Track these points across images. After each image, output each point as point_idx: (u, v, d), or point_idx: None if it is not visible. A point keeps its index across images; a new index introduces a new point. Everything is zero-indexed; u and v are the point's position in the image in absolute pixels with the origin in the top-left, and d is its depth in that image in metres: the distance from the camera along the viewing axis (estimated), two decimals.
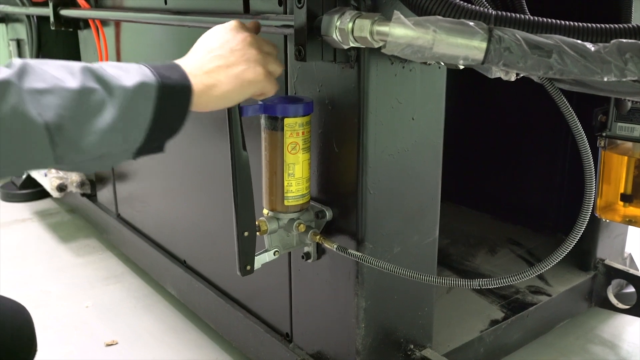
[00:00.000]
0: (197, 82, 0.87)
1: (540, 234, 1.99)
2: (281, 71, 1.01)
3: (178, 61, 0.90)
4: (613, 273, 1.72)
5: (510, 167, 2.12)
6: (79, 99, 0.73)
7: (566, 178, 1.92)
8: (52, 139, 0.72)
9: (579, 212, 0.88)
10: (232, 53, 0.93)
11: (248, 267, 1.12)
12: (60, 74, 0.74)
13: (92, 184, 2.44)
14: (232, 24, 0.98)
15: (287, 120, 1.07)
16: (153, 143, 0.84)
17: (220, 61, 0.92)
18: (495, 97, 2.08)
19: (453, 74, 1.14)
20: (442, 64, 1.06)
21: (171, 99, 0.83)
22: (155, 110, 0.80)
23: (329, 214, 1.16)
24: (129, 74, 0.79)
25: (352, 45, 0.94)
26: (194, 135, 1.58)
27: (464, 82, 1.86)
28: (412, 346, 1.27)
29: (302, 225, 1.14)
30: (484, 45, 0.80)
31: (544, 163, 1.98)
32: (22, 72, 0.71)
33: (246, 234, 1.09)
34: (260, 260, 1.14)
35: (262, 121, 1.10)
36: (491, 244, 1.96)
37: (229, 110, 1.01)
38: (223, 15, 1.29)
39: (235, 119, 1.02)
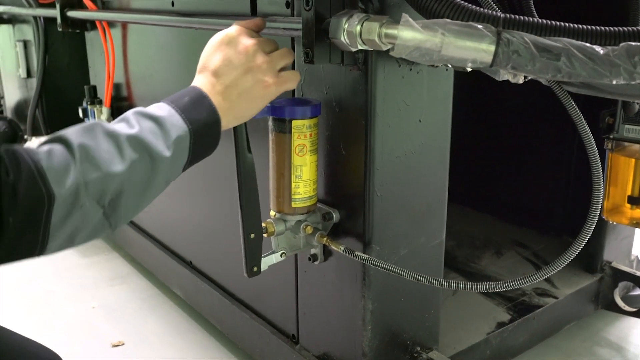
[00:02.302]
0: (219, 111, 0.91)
1: (546, 236, 1.99)
2: (292, 61, 1.01)
3: (199, 86, 0.92)
4: (620, 275, 1.71)
5: (516, 169, 2.12)
6: (127, 177, 0.79)
7: (572, 180, 1.91)
8: (107, 216, 0.79)
9: (586, 214, 0.88)
10: (237, 69, 0.93)
11: (255, 269, 1.12)
12: (109, 150, 0.78)
13: None
14: (230, 33, 0.97)
15: (294, 123, 1.07)
16: (185, 171, 0.91)
17: (228, 81, 0.92)
18: (502, 99, 2.08)
19: (459, 75, 1.14)
20: (450, 66, 1.07)
21: (203, 138, 0.88)
22: (190, 153, 0.87)
23: (336, 216, 1.16)
24: (164, 128, 0.83)
25: (360, 47, 0.94)
26: None
27: (470, 84, 1.86)
28: (418, 348, 1.27)
29: (309, 227, 1.14)
30: (492, 48, 0.80)
31: (549, 165, 1.98)
32: (82, 162, 0.75)
33: (252, 235, 1.09)
34: (267, 261, 1.14)
35: (270, 123, 1.11)
36: (497, 246, 1.96)
37: None
38: (230, 17, 1.29)
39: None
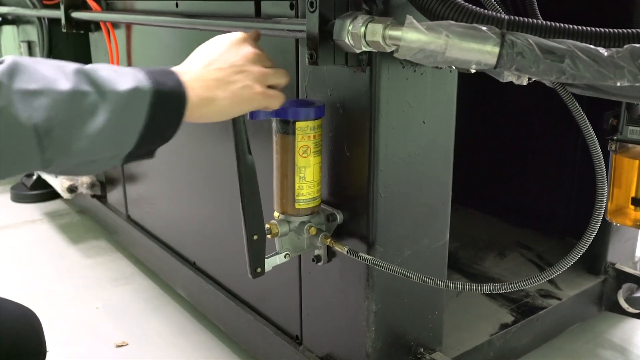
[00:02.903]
0: (195, 94, 0.85)
1: (549, 237, 1.99)
2: (285, 83, 1.01)
3: (176, 68, 0.89)
4: (623, 277, 1.71)
5: (520, 170, 2.12)
6: (70, 102, 0.72)
7: (575, 181, 1.91)
8: (41, 142, 0.70)
9: (590, 216, 0.88)
10: (232, 68, 0.93)
11: (259, 270, 1.12)
12: (52, 74, 0.72)
13: (102, 186, 2.46)
14: (235, 36, 0.98)
15: (298, 124, 1.07)
16: (143, 149, 0.82)
17: (219, 74, 0.91)
18: (505, 100, 2.08)
19: (463, 77, 1.15)
20: (454, 68, 1.07)
21: (165, 105, 0.81)
22: (148, 116, 0.79)
23: (339, 217, 1.16)
24: (124, 78, 0.77)
25: (364, 49, 0.94)
26: (203, 136, 1.59)
27: (473, 85, 1.86)
28: (422, 349, 1.28)
29: (312, 228, 1.14)
30: (496, 50, 0.80)
31: (553, 166, 1.98)
32: (12, 71, 0.69)
33: (255, 237, 1.09)
34: (271, 262, 1.14)
35: (274, 125, 1.11)
36: (500, 247, 1.96)
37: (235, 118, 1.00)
38: (234, 18, 1.30)
39: (240, 124, 1.02)
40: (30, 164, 0.72)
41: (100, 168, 0.81)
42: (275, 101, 0.98)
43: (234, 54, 0.95)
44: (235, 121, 1.01)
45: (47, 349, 1.09)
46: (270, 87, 0.98)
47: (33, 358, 1.05)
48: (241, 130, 1.03)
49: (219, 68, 0.92)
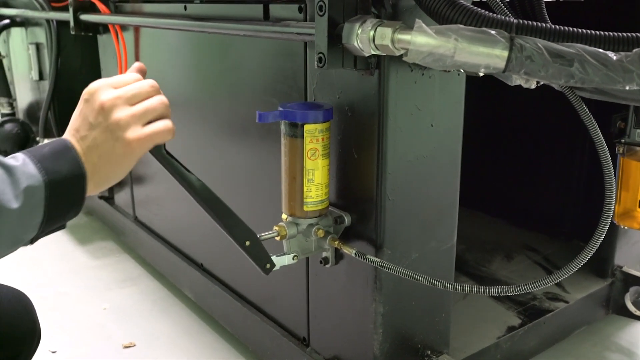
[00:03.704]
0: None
1: (556, 240, 1.99)
2: (164, 110, 0.86)
3: (69, 138, 0.83)
4: (631, 280, 1.71)
5: (527, 173, 2.12)
6: None
7: (583, 184, 1.91)
8: None
9: (597, 219, 0.88)
10: (94, 129, 0.82)
11: (268, 266, 1.12)
12: None
13: (110, 187, 2.46)
14: (88, 89, 0.85)
15: (307, 127, 1.08)
16: (48, 229, 0.81)
17: (87, 142, 0.81)
18: (512, 103, 2.08)
19: (470, 79, 1.15)
20: (462, 71, 1.07)
21: (62, 192, 0.78)
22: (46, 208, 0.76)
23: (347, 220, 1.17)
24: (14, 177, 0.74)
25: (373, 53, 0.94)
26: (210, 138, 1.59)
27: (480, 88, 1.86)
28: (429, 352, 1.28)
29: (320, 231, 1.15)
30: (505, 53, 0.81)
31: (560, 169, 1.98)
32: None
33: (247, 243, 1.08)
34: (280, 261, 1.15)
35: (282, 127, 1.11)
36: (507, 250, 1.96)
37: (151, 150, 0.88)
38: (243, 21, 1.30)
39: (161, 154, 0.91)
40: None
41: (2, 255, 0.80)
42: (162, 135, 0.85)
43: (89, 111, 0.83)
44: (154, 154, 0.90)
45: (55, 350, 1.09)
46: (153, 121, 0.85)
47: (27, 339, 1.05)
48: (167, 159, 0.92)
49: (84, 135, 0.82)
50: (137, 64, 0.92)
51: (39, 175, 0.75)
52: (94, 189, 0.82)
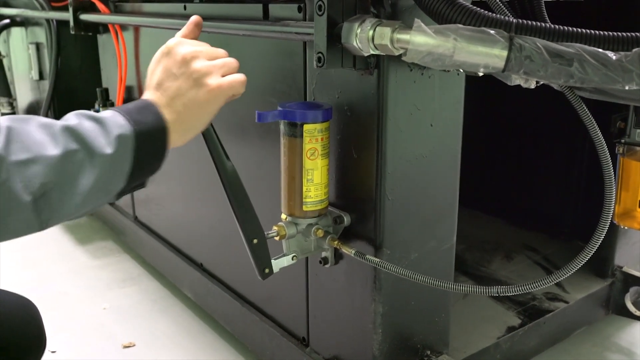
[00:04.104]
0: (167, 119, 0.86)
1: (556, 240, 1.98)
2: (237, 66, 0.94)
3: (149, 97, 0.89)
4: (631, 280, 1.70)
5: (527, 173, 2.12)
6: (61, 166, 0.74)
7: (583, 184, 1.91)
8: (37, 208, 0.73)
9: (597, 218, 0.88)
10: (178, 79, 0.89)
11: (266, 270, 1.13)
12: (42, 137, 0.74)
13: None
14: (167, 44, 0.93)
15: (306, 127, 1.08)
16: (133, 184, 0.84)
17: (171, 92, 0.88)
18: (512, 102, 2.07)
19: (470, 79, 1.15)
20: (462, 70, 1.07)
21: (149, 143, 0.83)
22: (134, 158, 0.81)
23: (347, 220, 1.17)
24: (106, 127, 0.79)
25: (372, 52, 0.94)
26: None
27: (480, 87, 1.86)
28: (428, 352, 1.28)
29: (320, 231, 1.15)
30: (504, 53, 0.81)
31: (560, 168, 1.98)
32: (8, 141, 0.71)
33: (255, 241, 1.09)
34: (279, 264, 1.15)
35: (281, 127, 1.11)
36: (507, 249, 1.96)
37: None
38: (242, 21, 1.30)
39: (209, 131, 0.99)
40: (27, 228, 0.74)
41: (93, 210, 0.84)
42: (237, 86, 0.92)
43: (171, 63, 0.90)
44: (204, 132, 0.97)
45: (55, 350, 1.09)
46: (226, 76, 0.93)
47: (34, 347, 1.06)
48: (213, 138, 0.99)
49: (168, 85, 0.88)
50: (194, 17, 1.01)
51: (128, 125, 0.80)
52: (179, 138, 0.88)
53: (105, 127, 0.79)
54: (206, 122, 0.93)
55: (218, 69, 0.91)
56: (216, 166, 1.01)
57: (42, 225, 0.75)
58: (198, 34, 1.00)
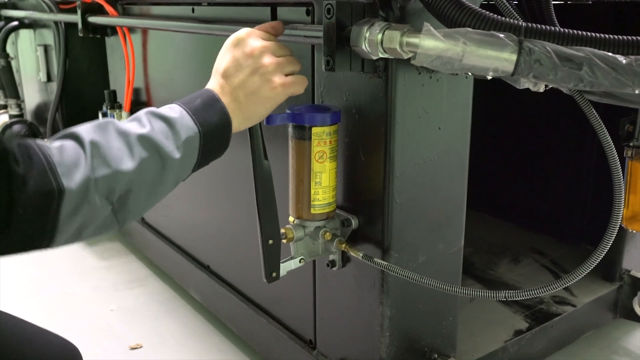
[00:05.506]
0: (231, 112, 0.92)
1: (564, 243, 1.98)
2: (299, 68, 1.00)
3: (213, 88, 0.93)
4: (639, 284, 1.70)
5: (534, 175, 2.11)
6: (136, 176, 0.80)
7: (591, 187, 1.90)
8: (116, 214, 0.81)
9: (605, 222, 0.88)
10: (245, 71, 0.94)
11: (274, 274, 1.13)
12: (119, 148, 0.80)
13: None
14: (240, 35, 0.97)
15: (314, 130, 1.08)
16: (195, 172, 0.92)
17: (235, 82, 0.93)
18: (520, 105, 2.07)
19: (477, 81, 1.14)
20: (470, 74, 1.07)
21: (213, 140, 0.90)
22: (200, 155, 0.88)
23: (354, 223, 1.17)
24: (174, 129, 0.85)
25: (381, 56, 0.94)
26: None
27: (487, 90, 1.86)
28: (436, 355, 1.27)
29: (327, 233, 1.15)
30: (514, 57, 0.80)
31: (568, 171, 1.97)
32: (92, 158, 0.77)
33: (270, 242, 1.10)
34: (286, 267, 1.15)
35: (290, 130, 1.11)
36: (514, 252, 1.95)
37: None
38: (251, 24, 1.30)
39: (256, 128, 1.03)
40: (109, 228, 0.82)
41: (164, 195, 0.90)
42: (299, 86, 0.98)
43: (241, 55, 0.95)
44: (251, 126, 1.02)
45: None
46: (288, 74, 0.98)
47: None
48: (258, 135, 1.04)
49: (234, 75, 0.93)
50: (275, 22, 1.05)
51: (195, 127, 0.87)
52: (238, 126, 0.94)
53: (174, 129, 0.85)
54: (263, 116, 0.98)
55: (283, 67, 0.96)
56: (253, 161, 1.05)
57: (119, 224, 0.82)
58: (275, 34, 1.03)
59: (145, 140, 0.82)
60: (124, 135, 0.81)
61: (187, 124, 0.86)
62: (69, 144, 0.77)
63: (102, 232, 0.82)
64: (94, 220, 0.78)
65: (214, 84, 0.95)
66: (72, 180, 0.74)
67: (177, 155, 0.84)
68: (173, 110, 0.87)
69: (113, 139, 0.80)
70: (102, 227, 0.81)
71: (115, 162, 0.78)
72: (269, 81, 0.94)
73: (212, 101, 0.91)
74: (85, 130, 0.79)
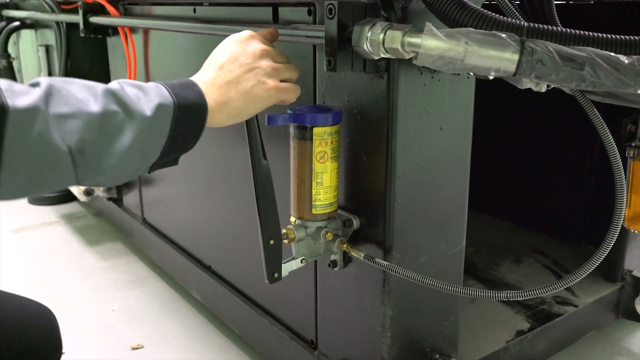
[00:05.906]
0: (210, 100, 0.89)
1: (565, 243, 1.98)
2: (296, 77, 1.02)
3: (194, 78, 0.93)
4: None
5: (536, 176, 2.11)
6: (100, 123, 0.76)
7: (592, 187, 1.90)
8: (75, 162, 0.75)
9: (607, 222, 0.87)
10: (241, 67, 0.94)
11: (275, 275, 1.13)
12: (83, 95, 0.77)
13: (119, 189, 2.47)
14: (242, 35, 0.99)
15: (316, 130, 1.08)
16: (168, 158, 0.87)
17: (229, 76, 0.93)
18: (522, 105, 2.07)
19: (479, 82, 1.14)
20: (472, 74, 1.07)
21: (187, 118, 0.86)
22: (172, 129, 0.84)
23: (356, 223, 1.16)
24: (148, 95, 0.82)
25: (382, 56, 0.94)
26: (219, 140, 1.60)
27: (489, 90, 1.86)
28: (437, 356, 1.27)
29: (329, 234, 1.14)
30: (516, 57, 0.80)
31: (569, 171, 1.97)
32: (48, 95, 0.73)
33: (272, 242, 1.10)
34: (288, 267, 1.15)
35: (291, 130, 1.11)
36: (516, 253, 1.95)
37: (247, 120, 1.02)
38: (252, 24, 1.30)
39: (254, 128, 1.04)
40: (65, 181, 0.77)
41: (127, 179, 0.85)
42: (291, 94, 1.00)
43: (241, 52, 0.96)
44: (248, 125, 1.03)
45: (64, 351, 1.10)
46: (283, 81, 0.99)
47: (49, 355, 1.06)
48: (255, 134, 1.04)
49: (229, 70, 0.93)
50: (271, 29, 1.07)
51: (169, 96, 0.84)
52: (225, 120, 0.93)
53: (147, 94, 0.82)
54: (251, 115, 0.97)
55: (280, 72, 0.97)
56: (252, 161, 1.05)
57: (78, 181, 0.77)
58: (272, 40, 1.05)
59: (112, 94, 0.79)
60: (88, 87, 0.78)
61: (161, 92, 0.84)
62: (23, 85, 0.73)
63: (57, 183, 0.76)
64: (48, 167, 0.72)
65: (205, 74, 0.94)
66: (18, 101, 0.69)
67: (147, 112, 0.80)
68: (148, 83, 0.86)
69: (76, 87, 0.77)
70: (58, 176, 0.75)
71: (77, 103, 0.75)
72: (263, 82, 0.95)
73: (191, 84, 0.90)
74: (47, 78, 0.76)
